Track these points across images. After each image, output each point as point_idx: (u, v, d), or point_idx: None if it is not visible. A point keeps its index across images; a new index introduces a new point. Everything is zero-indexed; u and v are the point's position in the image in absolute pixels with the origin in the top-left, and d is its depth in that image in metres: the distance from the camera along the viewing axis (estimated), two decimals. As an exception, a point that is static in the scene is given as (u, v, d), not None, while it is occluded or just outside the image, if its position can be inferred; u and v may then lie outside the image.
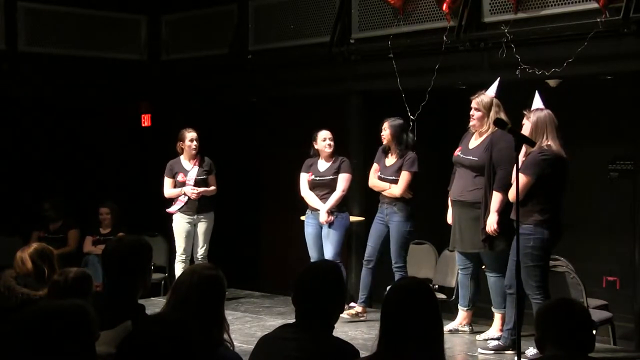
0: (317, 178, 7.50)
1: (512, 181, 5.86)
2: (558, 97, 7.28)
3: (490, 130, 6.22)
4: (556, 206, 5.77)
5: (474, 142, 6.40)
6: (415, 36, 8.04)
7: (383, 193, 7.18)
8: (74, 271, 4.31)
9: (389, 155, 7.22)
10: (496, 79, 6.48)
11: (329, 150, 7.49)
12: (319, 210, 7.43)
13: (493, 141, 6.20)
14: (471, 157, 6.33)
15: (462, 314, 6.71)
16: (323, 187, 7.47)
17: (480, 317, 7.19)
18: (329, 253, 7.41)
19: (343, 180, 7.42)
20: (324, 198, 7.44)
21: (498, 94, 6.32)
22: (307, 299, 3.25)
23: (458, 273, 6.80)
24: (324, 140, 7.49)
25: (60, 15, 9.75)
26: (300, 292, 3.26)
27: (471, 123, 6.38)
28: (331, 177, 7.45)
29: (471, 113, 6.36)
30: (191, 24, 10.34)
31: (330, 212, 7.39)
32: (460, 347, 6.31)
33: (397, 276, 7.14)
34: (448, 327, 6.51)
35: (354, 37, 8.56)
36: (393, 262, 7.17)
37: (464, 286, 6.67)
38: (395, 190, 7.06)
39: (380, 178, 7.20)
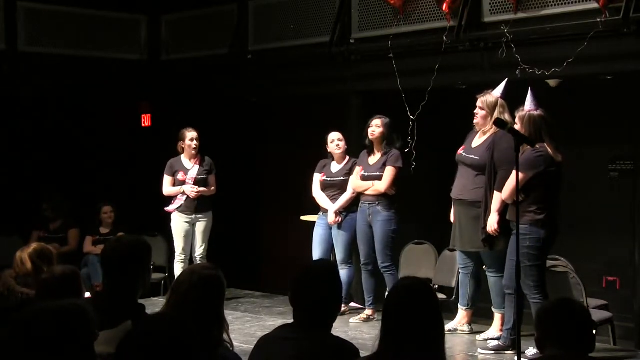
0: (329, 179, 7.49)
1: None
2: (558, 97, 7.29)
3: (493, 129, 6.21)
4: (552, 206, 5.79)
5: (478, 140, 6.40)
6: (415, 36, 8.04)
7: (366, 192, 7.16)
8: (61, 269, 4.29)
9: (372, 154, 7.21)
10: (500, 79, 6.48)
11: (338, 151, 7.49)
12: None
13: (495, 141, 6.20)
14: (473, 156, 6.33)
15: (462, 313, 6.71)
16: (334, 188, 7.46)
17: (480, 317, 7.18)
18: (339, 255, 7.42)
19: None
20: (334, 199, 7.43)
21: (504, 96, 6.31)
22: (304, 298, 3.24)
23: (459, 272, 6.80)
24: (332, 142, 7.49)
25: (60, 15, 9.75)
26: (297, 292, 3.26)
27: (475, 121, 6.39)
28: (342, 178, 7.44)
29: (475, 111, 6.36)
30: (191, 24, 10.34)
31: (338, 213, 7.38)
32: (460, 347, 6.31)
33: (386, 277, 7.15)
34: (447, 326, 6.49)
35: (354, 37, 8.55)
36: (379, 262, 7.16)
37: (464, 285, 6.67)
38: (380, 185, 7.05)
39: (364, 177, 7.17)
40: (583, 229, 8.09)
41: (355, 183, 7.26)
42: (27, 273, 5.03)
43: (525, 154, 5.69)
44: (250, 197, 10.93)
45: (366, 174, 7.16)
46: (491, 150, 6.20)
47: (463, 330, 6.65)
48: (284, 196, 10.29)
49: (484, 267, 6.49)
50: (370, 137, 7.14)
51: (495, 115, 6.18)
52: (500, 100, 6.28)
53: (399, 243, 7.56)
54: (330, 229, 7.45)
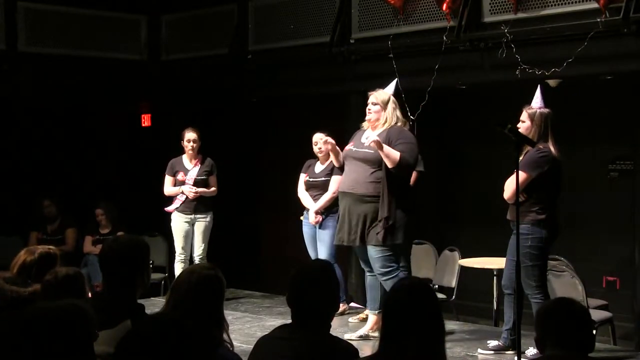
0: (311, 179, 7.52)
1: (414, 157, 6.01)
2: (558, 97, 7.29)
3: (386, 125, 6.16)
4: (553, 205, 5.78)
5: (371, 135, 6.15)
6: (415, 36, 8.04)
7: None
8: (65, 270, 4.29)
9: None
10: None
11: (319, 153, 7.49)
12: None
13: (391, 138, 6.08)
14: (366, 150, 6.16)
15: (373, 318, 6.41)
16: (316, 188, 7.47)
17: (480, 317, 7.19)
18: (322, 254, 7.38)
19: (334, 183, 7.36)
20: (317, 199, 7.43)
21: (394, 93, 6.32)
22: (300, 299, 3.24)
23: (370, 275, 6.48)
24: (315, 144, 7.50)
25: (60, 15, 9.75)
26: (293, 293, 3.26)
27: (368, 117, 6.26)
28: (323, 179, 7.45)
29: (368, 108, 6.27)
30: (191, 24, 10.34)
31: (319, 213, 7.37)
32: (460, 347, 6.30)
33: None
34: (358, 333, 6.35)
35: (354, 37, 8.55)
36: None
37: (373, 288, 6.41)
38: None
39: None
40: (583, 229, 8.10)
41: None
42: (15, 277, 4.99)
43: (528, 154, 5.68)
44: (250, 197, 10.93)
45: None
46: (388, 145, 6.05)
47: (374, 336, 6.22)
48: (284, 196, 10.26)
49: (367, 266, 6.30)
50: None
51: (389, 110, 6.18)
52: (392, 97, 6.27)
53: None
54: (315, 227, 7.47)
